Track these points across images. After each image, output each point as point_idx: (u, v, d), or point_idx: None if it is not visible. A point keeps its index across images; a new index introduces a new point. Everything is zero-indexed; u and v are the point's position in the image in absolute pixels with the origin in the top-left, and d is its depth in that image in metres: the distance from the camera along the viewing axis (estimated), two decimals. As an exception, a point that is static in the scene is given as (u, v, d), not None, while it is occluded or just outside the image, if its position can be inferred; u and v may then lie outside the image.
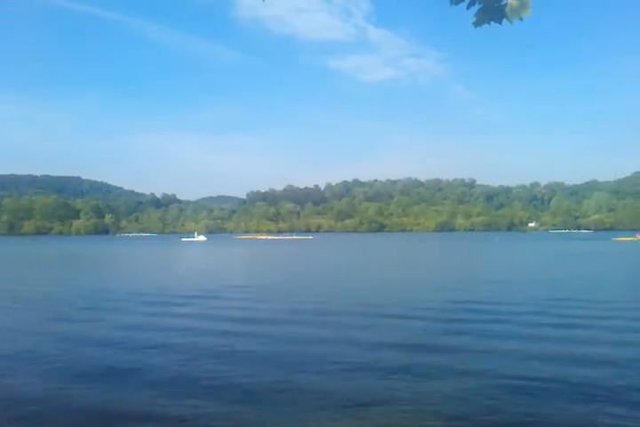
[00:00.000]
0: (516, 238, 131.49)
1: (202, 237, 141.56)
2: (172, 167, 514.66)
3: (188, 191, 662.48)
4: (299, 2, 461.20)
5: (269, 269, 42.09)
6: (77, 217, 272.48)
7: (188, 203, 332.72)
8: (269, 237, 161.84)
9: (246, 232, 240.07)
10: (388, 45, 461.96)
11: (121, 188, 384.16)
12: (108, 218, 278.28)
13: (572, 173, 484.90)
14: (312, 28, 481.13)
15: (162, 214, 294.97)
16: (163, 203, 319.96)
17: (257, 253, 74.37)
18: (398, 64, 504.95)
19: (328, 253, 73.49)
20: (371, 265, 46.65)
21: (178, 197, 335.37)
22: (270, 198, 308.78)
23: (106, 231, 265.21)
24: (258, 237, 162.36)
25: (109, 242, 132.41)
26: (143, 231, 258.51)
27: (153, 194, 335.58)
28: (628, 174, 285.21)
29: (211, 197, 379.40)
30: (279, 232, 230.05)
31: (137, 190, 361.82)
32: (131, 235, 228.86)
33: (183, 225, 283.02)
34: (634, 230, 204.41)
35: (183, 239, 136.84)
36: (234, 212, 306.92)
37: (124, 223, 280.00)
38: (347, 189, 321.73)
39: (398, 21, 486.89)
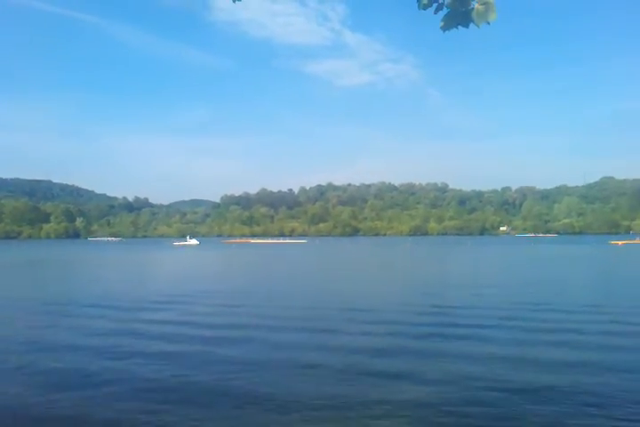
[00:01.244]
0: (489, 242, 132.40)
1: (194, 241, 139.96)
2: (146, 171, 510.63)
3: (161, 195, 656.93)
4: (275, 5, 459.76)
5: (253, 275, 41.35)
6: (47, 221, 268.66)
7: (161, 207, 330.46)
8: (262, 241, 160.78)
9: (232, 236, 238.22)
10: (364, 50, 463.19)
11: (92, 191, 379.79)
12: (78, 222, 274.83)
13: (543, 178, 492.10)
14: (288, 32, 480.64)
15: (134, 218, 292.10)
16: (135, 207, 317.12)
17: (251, 257, 73.06)
18: (375, 69, 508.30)
19: (321, 256, 73.61)
20: (354, 268, 47.10)
21: (150, 200, 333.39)
22: (244, 202, 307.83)
23: (76, 235, 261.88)
24: (251, 242, 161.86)
25: (90, 247, 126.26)
26: (114, 235, 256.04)
27: (125, 198, 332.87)
28: (597, 179, 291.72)
29: (184, 201, 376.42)
30: (275, 236, 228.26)
31: (109, 194, 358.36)
32: (113, 239, 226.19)
33: (155, 229, 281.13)
34: (601, 235, 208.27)
35: (175, 243, 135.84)
36: (207, 215, 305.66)
37: (95, 227, 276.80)
38: (321, 192, 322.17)
39: (374, 26, 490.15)
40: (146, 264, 59.50)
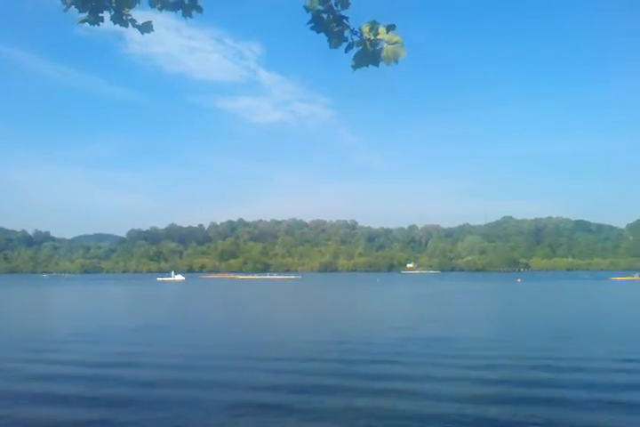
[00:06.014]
0: (400, 279, 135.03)
1: (179, 277, 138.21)
2: (48, 203, 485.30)
3: (64, 229, 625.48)
4: (191, 41, 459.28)
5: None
6: None
7: (63, 241, 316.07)
8: (252, 277, 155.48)
9: (213, 271, 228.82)
10: (278, 89, 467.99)
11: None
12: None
13: (447, 217, 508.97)
14: (204, 69, 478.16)
15: (33, 253, 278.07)
16: (35, 240, 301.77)
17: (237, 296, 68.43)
18: (288, 108, 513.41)
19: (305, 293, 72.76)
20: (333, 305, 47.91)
21: (52, 234, 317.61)
22: (152, 237, 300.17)
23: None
24: (238, 277, 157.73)
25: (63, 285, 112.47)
26: (12, 271, 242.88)
27: (24, 231, 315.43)
28: (498, 218, 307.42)
29: (88, 236, 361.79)
30: (264, 272, 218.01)
31: (6, 227, 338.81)
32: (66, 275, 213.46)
33: (57, 264, 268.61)
34: (503, 272, 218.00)
35: (159, 279, 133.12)
36: (113, 251, 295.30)
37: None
38: (231, 228, 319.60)
39: (288, 66, 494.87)
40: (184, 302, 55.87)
